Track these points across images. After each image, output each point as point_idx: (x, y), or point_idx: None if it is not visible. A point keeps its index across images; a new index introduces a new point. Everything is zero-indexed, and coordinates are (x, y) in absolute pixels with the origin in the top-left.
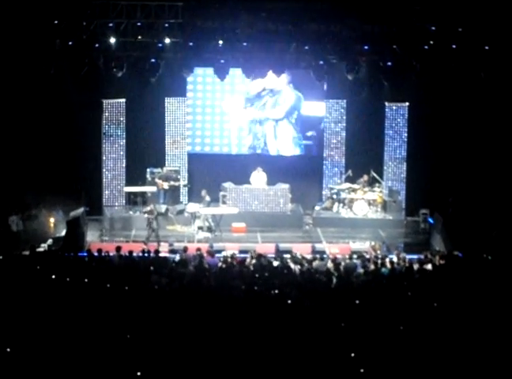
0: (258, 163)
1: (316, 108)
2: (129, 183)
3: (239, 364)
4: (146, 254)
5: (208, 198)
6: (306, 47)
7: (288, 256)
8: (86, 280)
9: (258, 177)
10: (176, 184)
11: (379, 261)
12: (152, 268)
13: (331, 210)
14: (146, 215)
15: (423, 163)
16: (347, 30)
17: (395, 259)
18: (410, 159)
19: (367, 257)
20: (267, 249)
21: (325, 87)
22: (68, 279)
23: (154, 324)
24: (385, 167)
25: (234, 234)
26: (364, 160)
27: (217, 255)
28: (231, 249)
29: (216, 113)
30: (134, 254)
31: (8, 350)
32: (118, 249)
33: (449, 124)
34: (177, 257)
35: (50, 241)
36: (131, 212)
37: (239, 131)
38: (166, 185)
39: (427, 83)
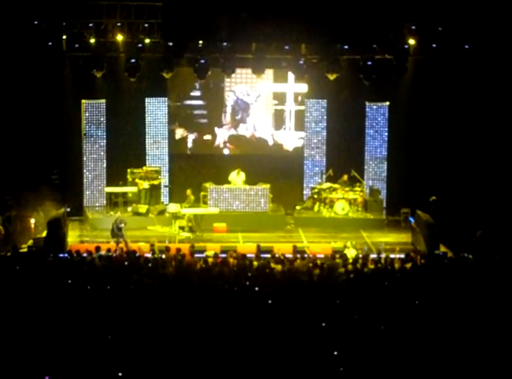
0: (239, 163)
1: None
2: (110, 184)
3: (222, 363)
4: (127, 254)
5: (192, 197)
6: (287, 47)
7: (269, 256)
8: (67, 281)
9: (237, 177)
10: (156, 183)
11: (360, 261)
12: (133, 268)
13: (312, 210)
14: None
15: (404, 163)
16: (327, 29)
17: (376, 258)
18: (391, 159)
19: (349, 256)
20: (248, 249)
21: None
22: (49, 280)
23: (136, 324)
24: (365, 167)
25: (215, 234)
26: (345, 160)
27: (199, 255)
28: (212, 250)
29: (198, 112)
30: (115, 255)
31: None
32: (98, 249)
33: (430, 123)
34: (158, 257)
35: (30, 242)
36: (112, 213)
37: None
38: (146, 185)
39: (407, 82)
